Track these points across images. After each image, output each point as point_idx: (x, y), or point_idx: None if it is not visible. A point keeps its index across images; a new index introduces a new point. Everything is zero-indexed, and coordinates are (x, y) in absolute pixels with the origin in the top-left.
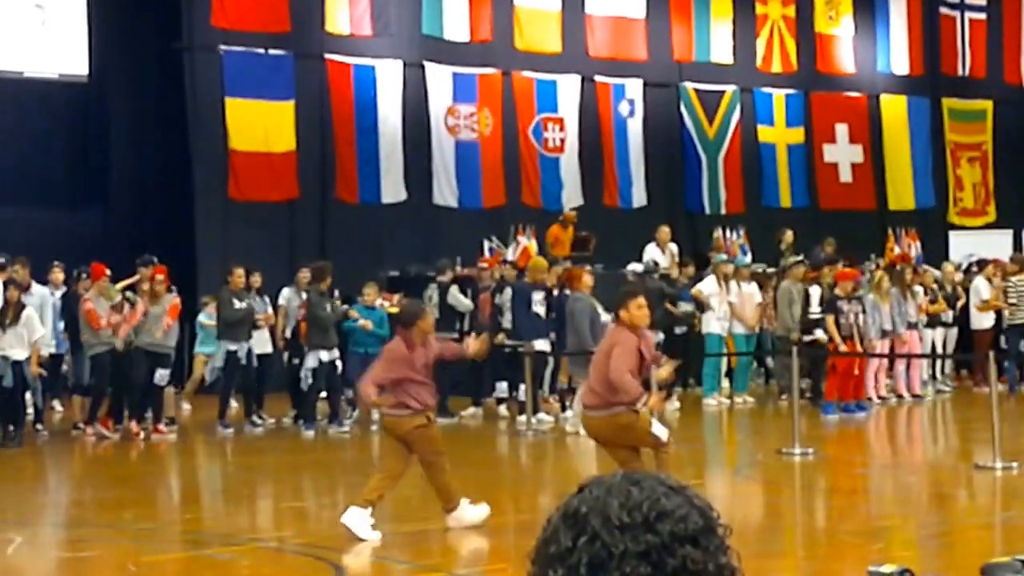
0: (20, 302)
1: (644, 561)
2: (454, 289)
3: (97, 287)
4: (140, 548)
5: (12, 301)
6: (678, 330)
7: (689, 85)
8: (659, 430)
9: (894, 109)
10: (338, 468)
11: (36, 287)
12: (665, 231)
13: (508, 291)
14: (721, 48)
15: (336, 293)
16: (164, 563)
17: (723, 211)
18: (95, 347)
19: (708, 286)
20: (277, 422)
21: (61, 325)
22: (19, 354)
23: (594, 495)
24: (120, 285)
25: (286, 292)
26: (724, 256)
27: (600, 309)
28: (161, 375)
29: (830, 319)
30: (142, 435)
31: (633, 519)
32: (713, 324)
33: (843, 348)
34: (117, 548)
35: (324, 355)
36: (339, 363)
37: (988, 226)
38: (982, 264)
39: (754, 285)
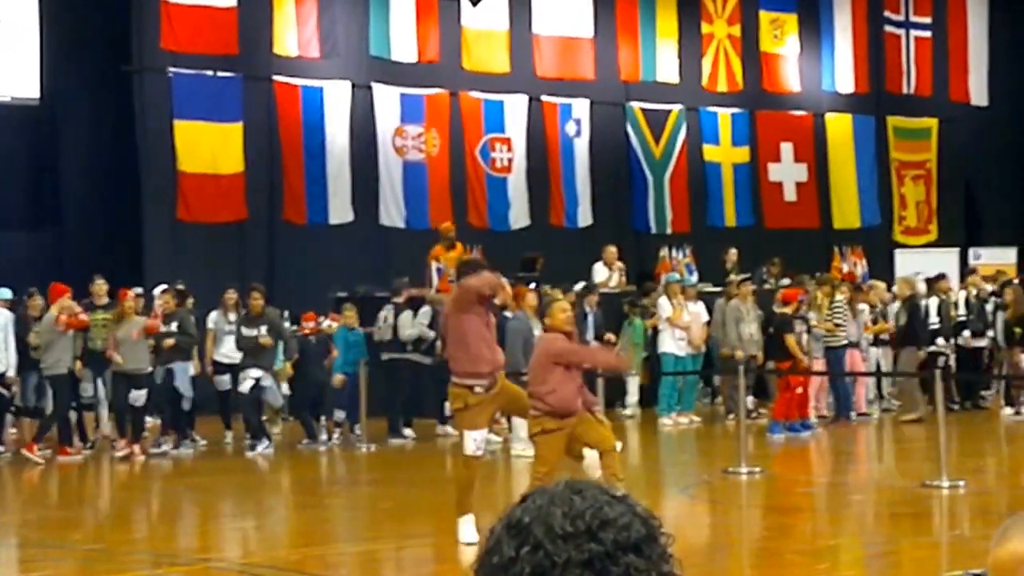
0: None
1: (587, 569)
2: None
3: (59, 306)
4: (89, 569)
5: None
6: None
7: (636, 104)
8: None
9: (839, 127)
10: (284, 488)
11: None
12: (612, 250)
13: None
14: (667, 68)
15: (285, 314)
16: None
17: (669, 230)
18: (53, 368)
19: (663, 306)
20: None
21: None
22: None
23: (537, 504)
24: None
25: (213, 315)
26: (676, 276)
27: (537, 330)
28: (136, 395)
29: (790, 338)
30: (121, 454)
31: (576, 528)
32: (669, 344)
33: (806, 365)
34: (67, 568)
35: (254, 373)
36: (270, 383)
37: (929, 245)
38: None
39: (700, 304)
